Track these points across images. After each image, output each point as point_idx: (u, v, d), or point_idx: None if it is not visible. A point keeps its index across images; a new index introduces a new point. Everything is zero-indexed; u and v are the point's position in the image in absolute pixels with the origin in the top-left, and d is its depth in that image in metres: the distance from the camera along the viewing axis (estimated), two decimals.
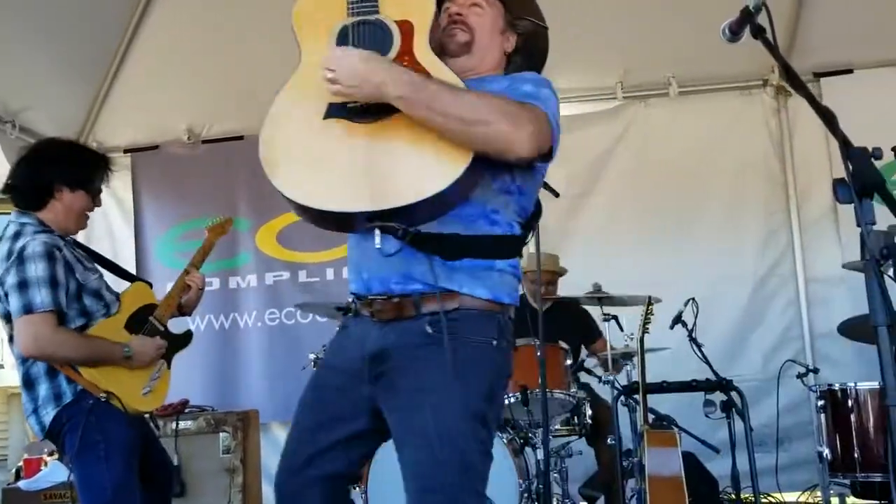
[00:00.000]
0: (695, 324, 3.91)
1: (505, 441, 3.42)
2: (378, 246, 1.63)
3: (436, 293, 1.65)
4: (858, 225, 1.27)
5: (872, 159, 1.29)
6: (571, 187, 5.50)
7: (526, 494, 3.39)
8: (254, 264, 5.78)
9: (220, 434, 3.79)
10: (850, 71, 5.18)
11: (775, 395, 4.54)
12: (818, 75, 5.21)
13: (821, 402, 4.13)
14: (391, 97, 1.60)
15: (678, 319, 3.98)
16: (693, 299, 3.91)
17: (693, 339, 3.94)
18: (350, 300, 1.83)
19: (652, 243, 5.30)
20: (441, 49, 1.81)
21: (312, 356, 3.89)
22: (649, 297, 3.17)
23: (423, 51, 1.73)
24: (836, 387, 4.09)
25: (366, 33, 1.75)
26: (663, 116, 5.46)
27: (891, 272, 1.26)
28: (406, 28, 1.75)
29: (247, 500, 3.76)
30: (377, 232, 1.62)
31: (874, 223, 1.32)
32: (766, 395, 4.77)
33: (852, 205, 1.28)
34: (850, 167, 1.30)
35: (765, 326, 5.19)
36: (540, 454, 3.26)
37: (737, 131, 5.35)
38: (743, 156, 5.32)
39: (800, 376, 4.38)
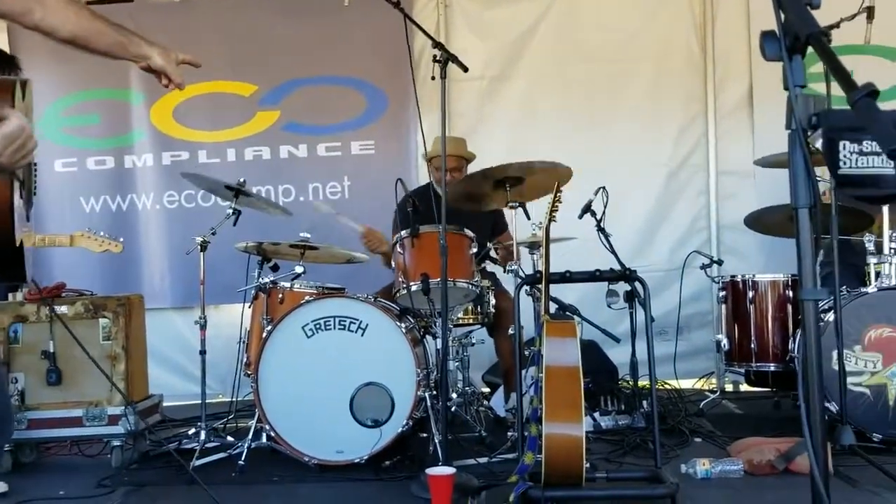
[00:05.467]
0: (604, 213, 3.83)
1: (404, 330, 3.31)
2: None
3: None
4: (786, 87, 1.09)
5: (809, 7, 1.09)
6: (490, 68, 5.27)
7: (424, 383, 3.32)
8: (149, 142, 5.38)
9: (100, 320, 3.54)
10: None
11: (679, 285, 4.57)
12: None
13: (722, 293, 4.18)
14: None
15: (587, 209, 3.89)
16: (603, 188, 3.81)
17: (601, 229, 3.87)
18: None
19: (572, 130, 5.17)
20: None
21: (199, 240, 3.65)
22: (557, 183, 3.02)
23: None
24: (738, 278, 4.13)
25: None
26: None
27: (818, 144, 1.09)
28: None
29: (131, 388, 3.56)
30: None
31: (804, 85, 1.13)
32: (671, 286, 4.83)
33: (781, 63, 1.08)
34: (783, 16, 1.09)
35: (674, 217, 5.20)
36: (440, 343, 3.17)
37: (661, 15, 5.17)
38: (666, 41, 5.17)
39: (703, 267, 4.41)
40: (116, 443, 3.51)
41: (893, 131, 0.84)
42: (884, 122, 0.86)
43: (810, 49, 1.11)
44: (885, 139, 0.84)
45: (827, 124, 1.03)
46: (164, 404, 4.10)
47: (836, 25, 3.18)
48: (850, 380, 3.26)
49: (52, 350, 3.51)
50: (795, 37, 1.07)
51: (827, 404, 3.37)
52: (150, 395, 3.87)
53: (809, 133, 1.07)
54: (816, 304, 1.17)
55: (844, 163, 1.07)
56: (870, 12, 3.40)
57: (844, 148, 1.06)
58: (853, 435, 3.03)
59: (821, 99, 1.07)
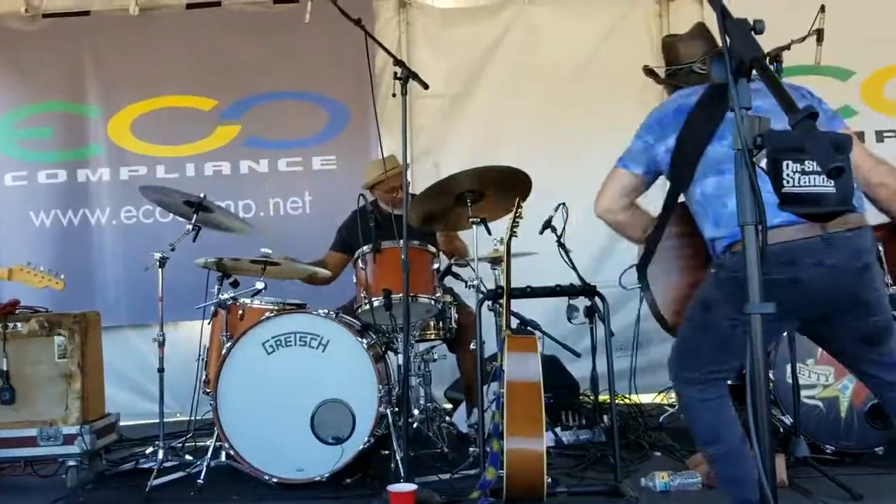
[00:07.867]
0: (564, 229, 3.87)
1: (365, 346, 3.30)
2: None
3: None
4: (731, 109, 1.13)
5: (753, 33, 1.12)
6: (451, 85, 5.31)
7: (385, 399, 3.31)
8: (106, 157, 5.30)
9: (56, 337, 3.47)
10: None
11: (638, 300, 4.61)
12: None
13: None
14: None
15: (548, 224, 3.92)
16: (563, 204, 3.84)
17: (561, 245, 3.91)
18: None
19: (533, 147, 5.22)
20: None
21: (158, 256, 3.60)
22: (518, 199, 3.06)
23: None
24: None
25: None
26: (545, 16, 5.30)
27: (763, 164, 1.12)
28: None
29: (87, 407, 3.48)
30: None
31: (749, 107, 1.17)
32: (630, 301, 4.86)
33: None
34: (728, 41, 1.13)
35: None
36: (402, 359, 3.17)
37: (618, 36, 5.27)
38: (624, 61, 5.24)
39: None
40: (72, 463, 3.44)
41: (832, 152, 0.88)
42: (822, 144, 0.89)
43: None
44: (824, 160, 0.88)
45: (771, 144, 1.07)
46: (121, 423, 4.03)
47: (787, 47, 3.28)
48: (803, 393, 3.32)
49: (5, 368, 3.43)
50: (741, 61, 1.11)
51: (781, 417, 3.44)
52: (106, 414, 3.80)
53: (755, 152, 1.11)
54: (762, 318, 1.20)
55: (788, 181, 1.11)
56: (819, 35, 3.50)
57: (788, 167, 1.10)
58: (807, 447, 3.10)
59: (765, 120, 1.11)
